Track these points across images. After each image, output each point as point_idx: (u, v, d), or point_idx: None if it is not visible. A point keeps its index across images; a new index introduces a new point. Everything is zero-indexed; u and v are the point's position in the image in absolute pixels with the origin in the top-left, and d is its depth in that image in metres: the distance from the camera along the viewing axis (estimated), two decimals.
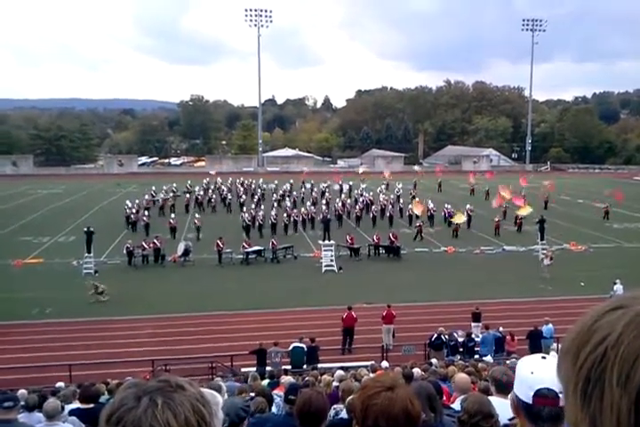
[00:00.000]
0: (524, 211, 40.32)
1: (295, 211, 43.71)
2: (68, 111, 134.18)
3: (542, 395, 2.21)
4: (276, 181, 58.09)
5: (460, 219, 38.98)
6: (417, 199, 38.37)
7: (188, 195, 51.86)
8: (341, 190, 56.58)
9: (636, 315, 0.91)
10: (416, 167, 62.84)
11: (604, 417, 0.89)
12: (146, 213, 42.40)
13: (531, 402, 2.24)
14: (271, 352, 18.45)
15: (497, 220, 40.71)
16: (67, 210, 50.46)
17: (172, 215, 41.64)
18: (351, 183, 57.60)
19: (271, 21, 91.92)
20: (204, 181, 58.97)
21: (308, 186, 57.04)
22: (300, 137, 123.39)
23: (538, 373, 2.25)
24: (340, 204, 46.23)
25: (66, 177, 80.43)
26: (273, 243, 34.22)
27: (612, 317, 0.93)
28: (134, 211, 42.34)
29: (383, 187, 55.79)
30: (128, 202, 44.57)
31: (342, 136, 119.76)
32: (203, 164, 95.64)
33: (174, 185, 56.07)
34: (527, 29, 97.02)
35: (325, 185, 56.68)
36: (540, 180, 63.58)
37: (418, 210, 36.75)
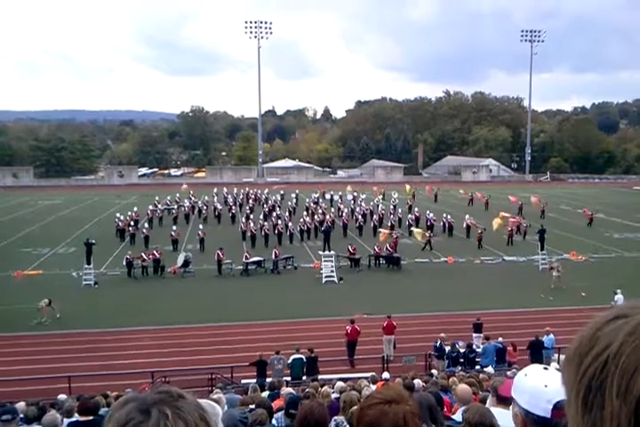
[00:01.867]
0: (496, 224, 40.38)
1: (303, 220, 43.61)
2: (68, 123, 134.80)
3: (562, 407, 2.18)
4: (282, 192, 58.27)
5: (419, 236, 38.85)
6: (383, 231, 38.36)
7: (176, 207, 51.80)
8: (332, 200, 56.77)
9: (638, 325, 0.91)
10: (408, 186, 62.95)
11: (605, 426, 0.90)
12: (146, 225, 42.32)
13: (549, 416, 2.20)
14: (273, 360, 18.39)
15: (480, 231, 40.24)
16: (67, 221, 50.45)
17: (174, 227, 41.55)
18: (349, 195, 57.61)
19: (271, 33, 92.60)
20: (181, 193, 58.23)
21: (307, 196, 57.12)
22: (299, 148, 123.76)
23: (552, 385, 2.20)
24: (342, 214, 46.36)
25: (66, 188, 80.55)
26: (276, 253, 34.18)
27: (614, 326, 0.94)
28: (132, 223, 42.20)
29: (380, 197, 55.82)
30: (118, 214, 44.54)
31: (342, 147, 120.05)
32: (203, 175, 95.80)
33: (177, 196, 56.11)
34: (526, 40, 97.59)
35: (316, 195, 56.64)
36: (537, 190, 63.81)
37: (383, 238, 36.85)
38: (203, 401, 1.34)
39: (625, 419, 0.87)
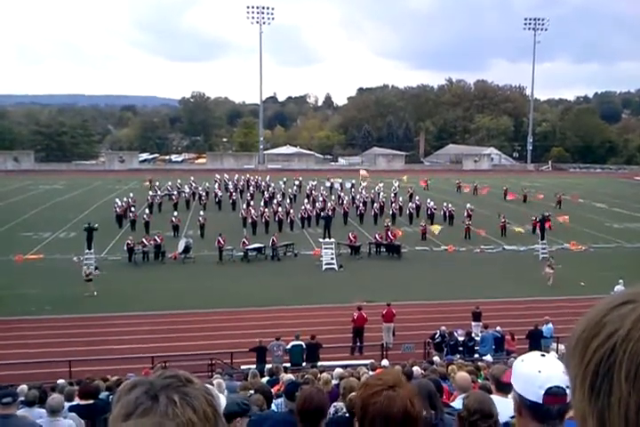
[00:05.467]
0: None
1: (303, 208, 43.63)
2: (69, 107, 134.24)
3: (553, 394, 2.20)
4: (284, 179, 58.31)
5: (435, 230, 38.34)
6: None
7: (176, 193, 51.63)
8: (331, 188, 56.84)
9: None
10: (362, 172, 62.50)
11: (612, 413, 0.89)
12: (146, 210, 42.31)
13: (541, 401, 2.23)
14: (272, 346, 18.47)
15: (503, 221, 40.25)
16: (68, 206, 50.46)
17: (175, 213, 41.52)
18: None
19: (273, 18, 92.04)
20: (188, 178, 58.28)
21: (297, 183, 57.27)
22: (301, 135, 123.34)
23: (545, 371, 2.23)
24: (342, 202, 46.40)
25: (67, 173, 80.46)
26: (274, 240, 34.23)
27: (621, 311, 0.93)
28: (132, 209, 42.18)
29: (381, 185, 55.79)
30: (117, 200, 44.56)
31: (343, 134, 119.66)
32: (203, 160, 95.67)
33: (178, 181, 56.01)
34: (529, 28, 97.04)
35: (314, 183, 56.58)
36: (540, 180, 63.91)
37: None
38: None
39: (634, 405, 0.87)
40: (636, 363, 0.87)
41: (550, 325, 20.23)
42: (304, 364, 18.24)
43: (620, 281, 23.73)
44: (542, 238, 34.90)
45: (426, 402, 4.18)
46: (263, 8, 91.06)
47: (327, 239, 34.55)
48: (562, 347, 18.87)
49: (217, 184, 56.82)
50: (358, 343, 21.29)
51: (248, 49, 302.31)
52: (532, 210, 45.42)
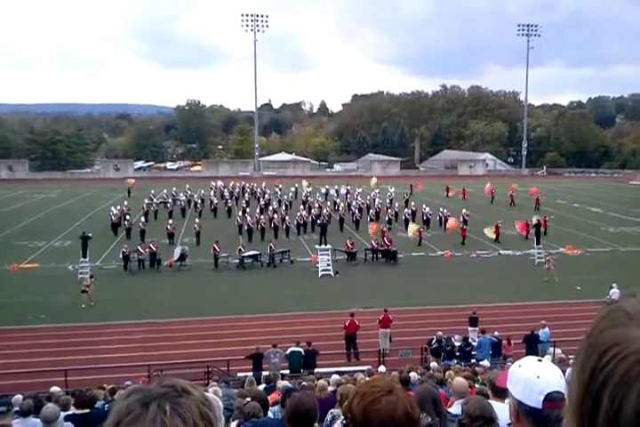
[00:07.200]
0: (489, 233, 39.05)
1: (299, 215, 43.57)
2: (63, 116, 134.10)
3: (553, 399, 2.19)
4: (280, 185, 58.31)
5: (413, 231, 38.68)
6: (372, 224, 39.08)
7: (171, 201, 51.49)
8: (327, 194, 56.78)
9: (611, 311, 0.95)
10: (374, 179, 62.69)
11: (570, 396, 0.98)
12: (142, 218, 42.17)
13: (540, 407, 2.21)
14: (269, 353, 18.40)
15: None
16: (63, 214, 50.35)
17: (170, 221, 41.45)
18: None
19: (267, 26, 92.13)
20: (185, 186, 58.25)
21: (292, 189, 57.29)
22: (296, 141, 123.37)
23: (544, 376, 2.22)
24: (338, 208, 46.42)
25: (62, 181, 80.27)
26: (271, 247, 34.19)
27: (601, 310, 0.98)
28: (127, 217, 42.09)
29: (377, 191, 55.83)
30: (113, 208, 44.45)
31: (338, 140, 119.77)
32: (199, 168, 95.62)
33: (174, 189, 55.90)
34: (522, 34, 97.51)
35: (309, 190, 56.55)
36: (534, 184, 64.18)
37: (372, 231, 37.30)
38: (208, 395, 1.32)
39: (577, 393, 0.94)
40: (586, 358, 0.93)
41: (547, 329, 20.22)
42: (301, 370, 18.18)
43: (614, 285, 23.76)
44: (538, 243, 34.95)
45: (431, 408, 4.16)
46: (257, 16, 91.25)
47: (323, 246, 34.52)
48: (558, 351, 18.87)
49: (212, 191, 56.80)
50: (352, 350, 21.25)
51: (243, 56, 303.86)
52: (522, 214, 45.35)
